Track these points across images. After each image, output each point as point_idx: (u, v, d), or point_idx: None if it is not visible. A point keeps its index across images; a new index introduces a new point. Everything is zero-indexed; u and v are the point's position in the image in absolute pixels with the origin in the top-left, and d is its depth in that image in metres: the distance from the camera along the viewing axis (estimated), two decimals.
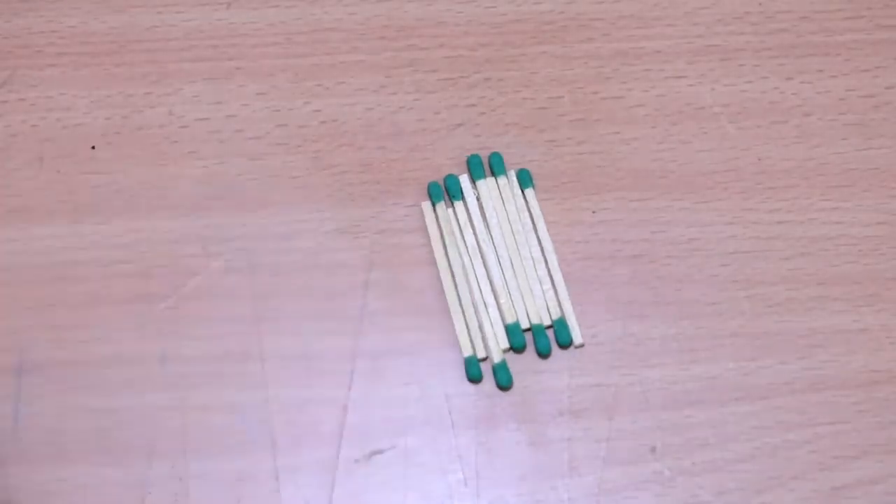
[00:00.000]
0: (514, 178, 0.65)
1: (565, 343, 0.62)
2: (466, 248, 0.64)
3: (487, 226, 0.64)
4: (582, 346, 0.63)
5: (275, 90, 0.67)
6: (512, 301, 0.63)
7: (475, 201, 0.65)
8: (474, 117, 0.67)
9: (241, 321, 0.63)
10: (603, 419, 0.61)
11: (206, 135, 0.66)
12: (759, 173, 0.66)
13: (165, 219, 0.64)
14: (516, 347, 0.62)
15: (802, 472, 0.61)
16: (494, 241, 0.64)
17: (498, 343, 0.62)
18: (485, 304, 0.63)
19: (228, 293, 0.63)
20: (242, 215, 0.65)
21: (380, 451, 0.61)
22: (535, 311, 0.63)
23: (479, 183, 0.65)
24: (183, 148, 0.66)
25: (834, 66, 0.69)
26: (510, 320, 0.62)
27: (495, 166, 0.66)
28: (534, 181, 0.66)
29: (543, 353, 0.62)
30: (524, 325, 0.63)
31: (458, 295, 0.63)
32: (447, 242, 0.64)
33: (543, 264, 0.64)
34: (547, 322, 0.63)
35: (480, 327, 0.62)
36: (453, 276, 0.63)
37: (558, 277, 0.63)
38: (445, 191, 0.65)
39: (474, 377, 0.62)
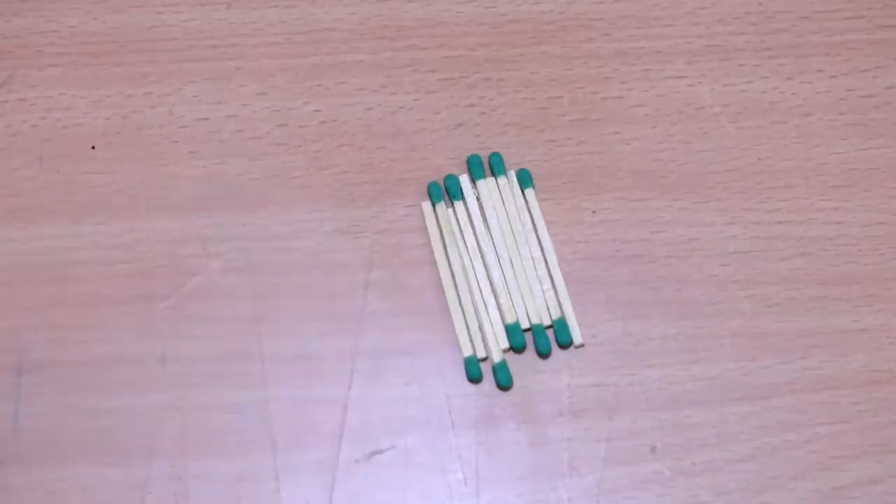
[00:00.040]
0: (514, 178, 0.65)
1: (565, 343, 0.62)
2: (466, 248, 0.64)
3: (487, 226, 0.64)
4: (582, 346, 0.63)
5: (275, 90, 0.67)
6: (512, 301, 0.63)
7: (475, 201, 0.65)
8: (474, 117, 0.67)
9: (241, 321, 0.63)
10: (603, 419, 0.61)
11: (206, 135, 0.66)
12: (759, 173, 0.66)
13: (165, 219, 0.64)
14: (516, 347, 0.62)
15: (802, 472, 0.61)
16: (494, 241, 0.64)
17: (498, 343, 0.62)
18: (485, 304, 0.63)
19: (228, 293, 0.63)
20: (242, 215, 0.65)
21: (380, 451, 0.61)
22: (535, 311, 0.63)
23: (479, 183, 0.65)
24: (183, 148, 0.66)
25: (834, 66, 0.69)
26: (510, 320, 0.62)
27: (495, 166, 0.66)
28: (534, 181, 0.66)
29: (543, 353, 0.62)
30: (524, 325, 0.63)
31: (458, 295, 0.63)
32: (447, 242, 0.64)
33: (543, 264, 0.64)
34: (547, 322, 0.63)
35: (480, 327, 0.62)
36: (453, 276, 0.63)
37: (558, 277, 0.63)
38: (445, 191, 0.65)
39: (474, 377, 0.62)
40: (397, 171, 0.66)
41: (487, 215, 0.64)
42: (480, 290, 0.63)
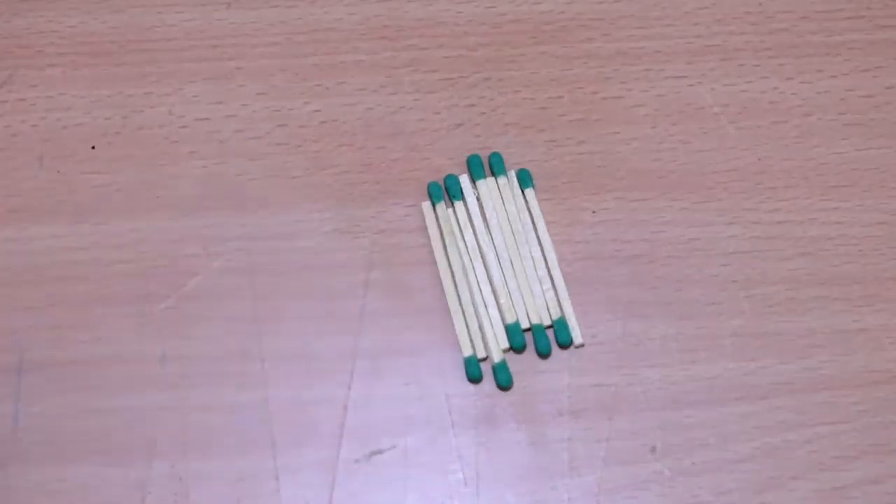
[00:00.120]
0: (514, 178, 0.65)
1: (565, 343, 0.62)
2: (466, 248, 0.64)
3: (487, 226, 0.64)
4: (582, 346, 0.63)
5: (275, 90, 0.67)
6: (512, 301, 0.63)
7: (475, 201, 0.65)
8: (474, 117, 0.67)
9: (241, 321, 0.63)
10: (603, 419, 0.61)
11: (206, 135, 0.66)
12: (759, 173, 0.66)
13: (165, 219, 0.64)
14: (516, 347, 0.62)
15: (802, 472, 0.61)
16: (494, 241, 0.64)
17: (498, 343, 0.62)
18: (485, 304, 0.63)
19: (228, 293, 0.63)
20: (242, 215, 0.65)
21: (380, 451, 0.61)
22: (535, 311, 0.63)
23: (479, 183, 0.65)
24: (183, 148, 0.66)
25: (834, 66, 0.69)
26: (510, 320, 0.62)
27: (495, 166, 0.66)
28: (534, 181, 0.66)
29: (543, 353, 0.62)
30: (524, 325, 0.63)
31: (458, 295, 0.63)
32: (447, 242, 0.64)
33: (543, 264, 0.64)
34: (547, 322, 0.63)
35: (480, 327, 0.62)
36: (453, 276, 0.63)
37: (558, 277, 0.63)
38: (445, 191, 0.65)
39: (474, 377, 0.62)
40: (397, 171, 0.66)
41: (487, 215, 0.64)
42: (480, 290, 0.63)
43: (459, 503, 0.60)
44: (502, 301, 0.63)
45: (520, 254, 0.64)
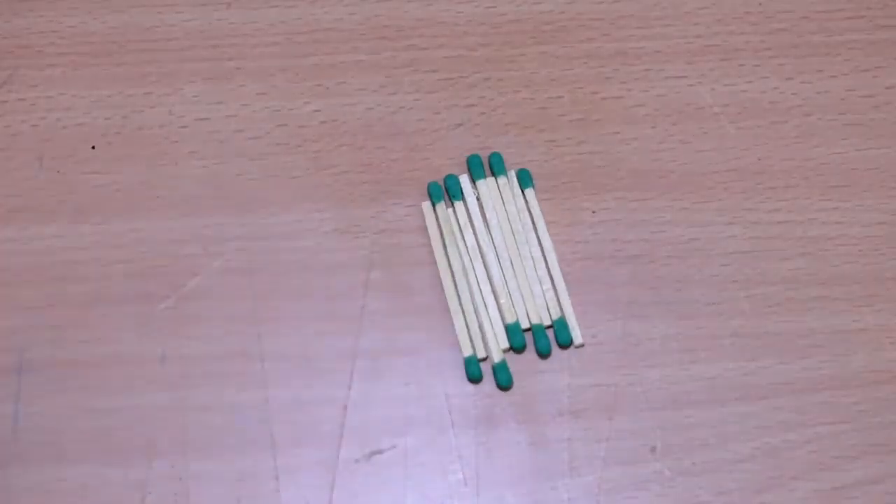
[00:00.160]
0: (514, 178, 0.65)
1: (565, 343, 0.62)
2: (466, 248, 0.64)
3: (487, 226, 0.64)
4: (582, 346, 0.63)
5: (275, 90, 0.67)
6: (512, 301, 0.63)
7: (475, 201, 0.65)
8: (474, 117, 0.67)
9: (241, 321, 0.63)
10: (603, 419, 0.61)
11: (206, 135, 0.66)
12: (759, 173, 0.66)
13: (165, 219, 0.64)
14: (516, 347, 0.62)
15: (802, 472, 0.61)
16: (494, 241, 0.64)
17: (498, 343, 0.62)
18: (485, 304, 0.63)
19: (228, 293, 0.63)
20: (242, 215, 0.65)
21: (380, 451, 0.61)
22: (535, 311, 0.63)
23: (479, 183, 0.65)
24: (183, 148, 0.66)
25: (834, 66, 0.69)
26: (510, 320, 0.62)
27: (495, 166, 0.66)
28: (534, 181, 0.66)
29: (543, 353, 0.62)
30: (524, 325, 0.63)
31: (458, 295, 0.63)
32: (447, 242, 0.64)
33: (543, 264, 0.64)
34: (547, 322, 0.63)
35: (480, 327, 0.62)
36: (453, 276, 0.63)
37: (558, 277, 0.63)
38: (445, 191, 0.65)
39: (474, 377, 0.62)
40: (397, 171, 0.66)
41: (487, 215, 0.64)
42: (480, 290, 0.63)
43: (459, 503, 0.60)
44: (502, 301, 0.63)
45: (520, 254, 0.64)
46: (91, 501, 0.59)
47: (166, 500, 0.59)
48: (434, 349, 0.62)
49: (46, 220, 0.64)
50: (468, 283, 0.63)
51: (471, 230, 0.64)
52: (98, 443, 0.60)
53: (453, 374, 0.62)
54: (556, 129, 0.67)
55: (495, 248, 0.64)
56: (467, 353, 0.62)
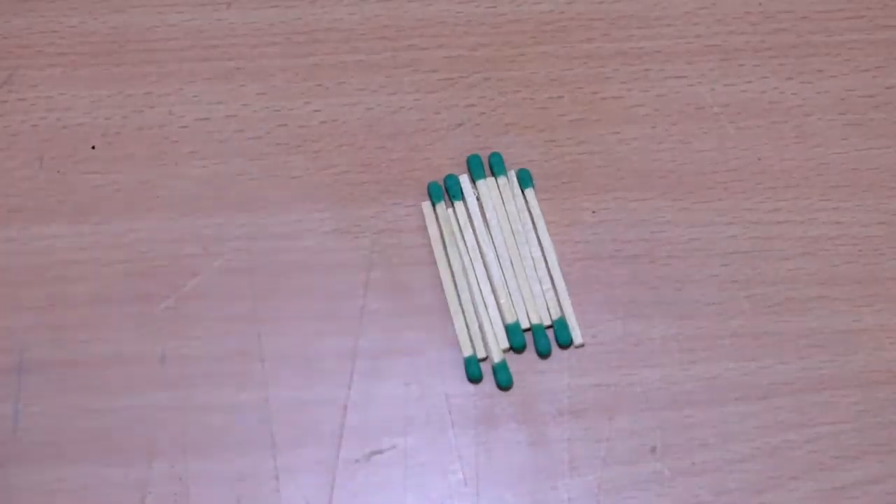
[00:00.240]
0: (514, 178, 0.65)
1: (565, 343, 0.62)
2: (466, 248, 0.64)
3: (487, 226, 0.64)
4: (582, 346, 0.63)
5: (275, 90, 0.67)
6: (512, 301, 0.63)
7: (475, 201, 0.65)
8: (474, 117, 0.67)
9: (241, 321, 0.63)
10: (603, 419, 0.61)
11: (206, 135, 0.66)
12: (759, 173, 0.66)
13: (165, 219, 0.64)
14: (516, 347, 0.62)
15: (802, 472, 0.61)
16: (494, 241, 0.64)
17: (498, 343, 0.62)
18: (485, 304, 0.63)
19: (228, 293, 0.63)
20: (242, 215, 0.65)
21: (380, 451, 0.61)
22: (535, 311, 0.63)
23: (479, 183, 0.65)
24: (183, 148, 0.66)
25: (834, 66, 0.69)
26: (510, 320, 0.62)
27: (495, 166, 0.66)
28: (534, 181, 0.66)
29: (543, 353, 0.62)
30: (524, 325, 0.63)
31: (458, 295, 0.63)
32: (447, 242, 0.64)
33: (543, 264, 0.64)
34: (547, 322, 0.63)
35: (480, 327, 0.62)
36: (453, 276, 0.63)
37: (558, 277, 0.63)
38: (445, 191, 0.65)
39: (474, 377, 0.62)
40: (397, 171, 0.66)
41: (487, 215, 0.64)
42: (480, 290, 0.63)
43: (459, 503, 0.60)
44: (502, 301, 0.63)
45: (520, 254, 0.64)
46: (91, 501, 0.59)
47: (166, 500, 0.59)
48: (434, 349, 0.62)
49: (46, 220, 0.64)
50: (468, 283, 0.63)
51: (471, 230, 0.64)
52: (98, 443, 0.60)
53: (453, 374, 0.62)
54: (556, 129, 0.67)
55: (495, 248, 0.64)
56: (467, 353, 0.62)
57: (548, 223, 0.65)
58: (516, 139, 0.67)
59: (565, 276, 0.64)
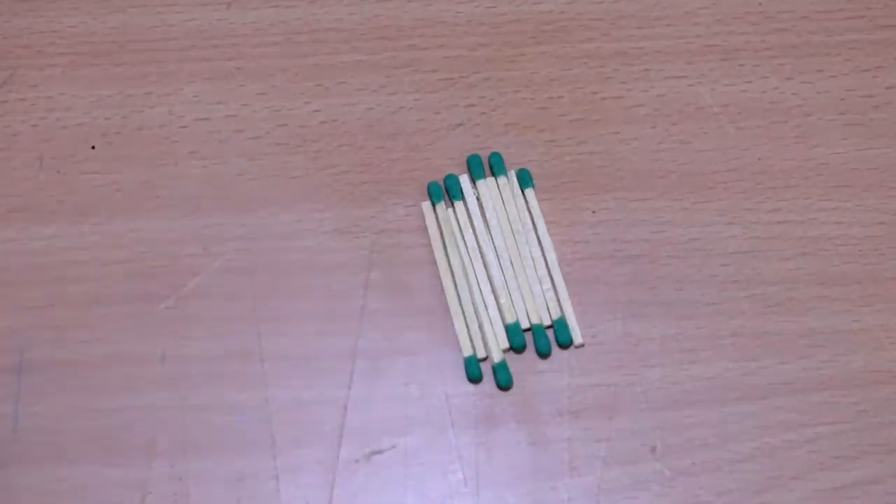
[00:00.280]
0: (514, 178, 0.65)
1: (565, 343, 0.62)
2: (466, 248, 0.64)
3: (487, 226, 0.64)
4: (582, 346, 0.63)
5: (275, 90, 0.67)
6: (512, 301, 0.63)
7: (475, 201, 0.65)
8: (474, 117, 0.67)
9: (241, 321, 0.63)
10: (603, 419, 0.61)
11: (206, 135, 0.66)
12: (759, 173, 0.66)
13: (165, 219, 0.64)
14: (516, 347, 0.62)
15: (802, 472, 0.61)
16: (494, 241, 0.64)
17: (498, 343, 0.62)
18: (485, 304, 0.63)
19: (228, 293, 0.63)
20: (242, 215, 0.65)
21: (380, 451, 0.61)
22: (535, 310, 0.63)
23: (479, 183, 0.65)
24: (183, 148, 0.66)
25: (834, 66, 0.69)
26: (510, 320, 0.62)
27: (495, 166, 0.66)
28: (534, 181, 0.66)
29: (543, 353, 0.62)
30: (524, 324, 0.63)
31: (458, 295, 0.63)
32: (447, 242, 0.64)
33: (543, 264, 0.64)
34: (547, 322, 0.63)
35: (480, 327, 0.62)
36: (453, 276, 0.63)
37: (558, 277, 0.63)
38: (445, 191, 0.65)
39: (474, 377, 0.62)
40: (397, 171, 0.66)
41: (487, 215, 0.64)
42: (480, 290, 0.63)
43: (459, 503, 0.60)
44: (502, 301, 0.63)
45: (520, 254, 0.64)
46: (91, 501, 0.59)
47: (166, 500, 0.59)
48: (434, 349, 0.62)
49: (46, 220, 0.64)
50: (468, 283, 0.63)
51: (471, 230, 0.64)
52: (98, 443, 0.60)
53: (453, 374, 0.62)
54: (556, 129, 0.67)
55: (495, 248, 0.64)
56: (467, 353, 0.62)
57: (548, 223, 0.65)
58: (516, 139, 0.67)
59: (565, 276, 0.64)
